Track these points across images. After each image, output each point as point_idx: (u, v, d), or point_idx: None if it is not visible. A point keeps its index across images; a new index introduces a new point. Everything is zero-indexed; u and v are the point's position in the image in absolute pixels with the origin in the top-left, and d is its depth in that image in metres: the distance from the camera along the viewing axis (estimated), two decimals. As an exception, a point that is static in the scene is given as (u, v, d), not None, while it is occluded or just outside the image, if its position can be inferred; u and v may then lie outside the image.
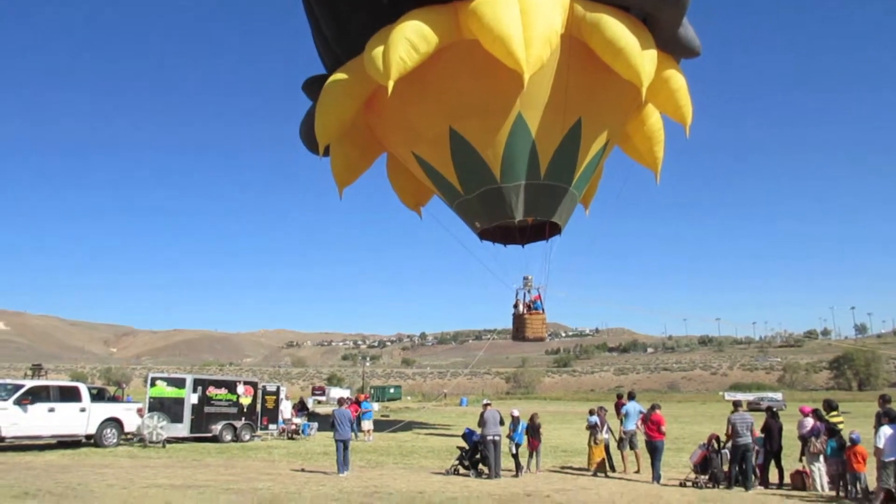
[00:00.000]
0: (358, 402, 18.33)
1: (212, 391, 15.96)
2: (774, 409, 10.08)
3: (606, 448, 10.69)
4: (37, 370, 61.03)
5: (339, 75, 11.33)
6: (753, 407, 35.11)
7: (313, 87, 12.62)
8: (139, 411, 14.59)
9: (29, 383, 13.35)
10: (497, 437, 10.23)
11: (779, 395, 45.52)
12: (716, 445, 9.81)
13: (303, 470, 10.58)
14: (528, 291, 13.65)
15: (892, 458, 7.33)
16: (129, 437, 14.21)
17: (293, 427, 18.07)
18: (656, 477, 9.48)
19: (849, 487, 8.18)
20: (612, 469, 10.63)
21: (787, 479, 9.21)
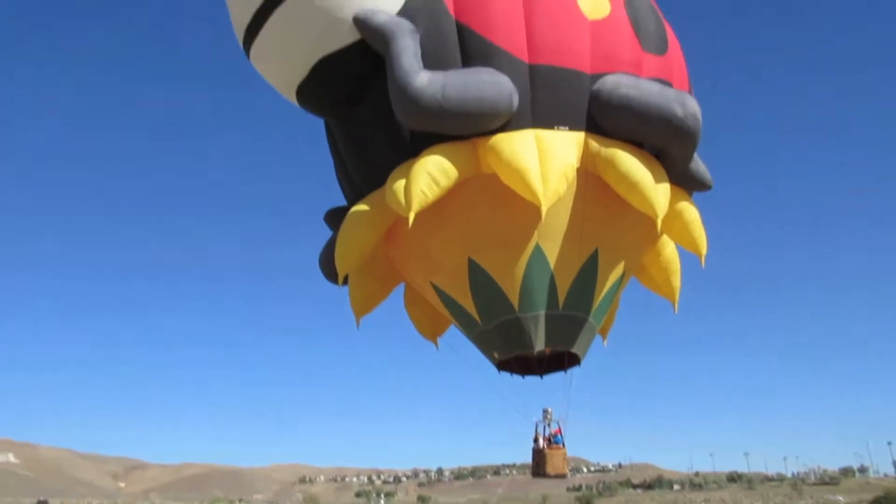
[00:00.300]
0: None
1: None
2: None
3: None
4: (41, 506, 59.41)
5: (360, 207, 11.66)
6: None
7: (334, 218, 12.94)
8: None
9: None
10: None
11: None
12: None
13: None
14: (548, 425, 13.22)
15: None
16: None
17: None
18: None
19: None
20: None
21: None
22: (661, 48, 11.79)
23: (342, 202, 13.70)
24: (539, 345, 11.18)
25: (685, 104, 10.64)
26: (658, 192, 10.62)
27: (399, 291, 14.43)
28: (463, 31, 11.04)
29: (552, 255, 11.01)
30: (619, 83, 10.81)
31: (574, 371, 12.37)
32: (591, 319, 11.69)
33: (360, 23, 10.95)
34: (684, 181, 11.88)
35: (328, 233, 13.70)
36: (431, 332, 14.28)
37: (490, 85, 10.44)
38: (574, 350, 11.78)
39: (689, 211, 12.06)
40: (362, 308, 13.10)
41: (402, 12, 11.14)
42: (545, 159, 10.29)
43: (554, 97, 10.84)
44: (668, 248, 13.20)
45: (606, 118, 10.86)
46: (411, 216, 10.13)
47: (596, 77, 10.93)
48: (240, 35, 12.10)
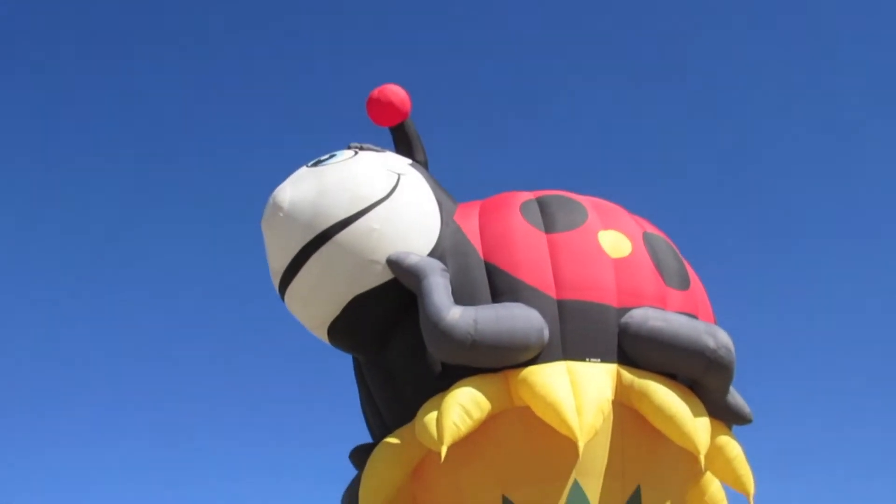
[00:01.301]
0: None
1: None
2: None
3: None
4: None
5: (387, 442, 11.39)
6: None
7: (360, 455, 12.55)
8: None
9: None
10: None
11: None
12: None
13: None
14: None
15: None
16: None
17: None
18: None
19: None
20: None
21: None
22: (683, 284, 12.21)
23: (366, 438, 13.35)
24: None
25: (716, 336, 10.77)
26: (697, 426, 10.35)
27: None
28: (491, 270, 11.55)
29: (592, 492, 10.42)
30: (647, 316, 11.04)
31: None
32: (639, 566, 10.75)
33: (393, 263, 11.52)
34: (722, 414, 11.62)
35: (350, 473, 13.19)
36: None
37: (521, 319, 10.68)
38: None
39: (731, 446, 11.64)
40: (386, 554, 12.14)
41: (433, 253, 11.79)
42: (579, 392, 10.18)
43: (583, 330, 11.02)
44: (713, 485, 12.52)
45: (637, 350, 10.93)
46: (443, 450, 9.80)
47: (623, 311, 11.19)
48: (276, 280, 12.68)
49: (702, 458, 10.29)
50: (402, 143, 13.77)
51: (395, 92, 13.45)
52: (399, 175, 12.48)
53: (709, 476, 12.35)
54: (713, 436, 10.90)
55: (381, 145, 13.76)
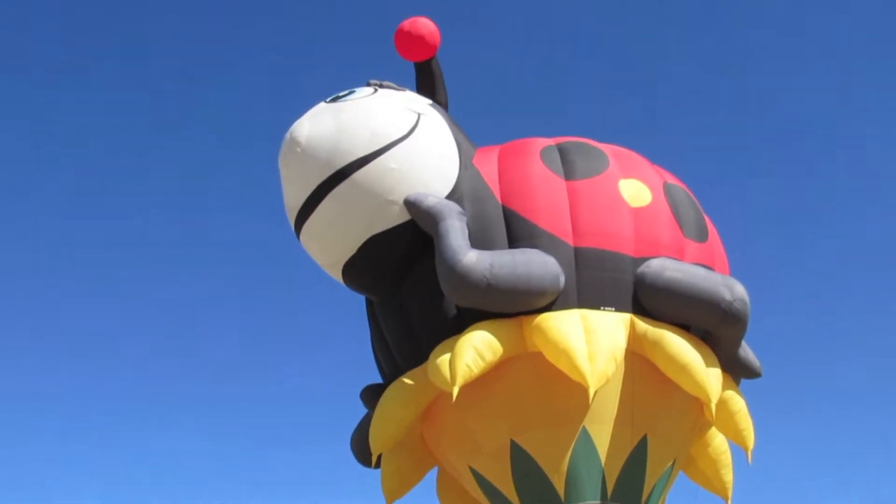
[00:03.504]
0: None
1: None
2: None
3: None
4: None
5: (399, 383, 11.53)
6: None
7: (371, 395, 12.67)
8: None
9: None
10: None
11: None
12: None
13: None
14: None
15: None
16: None
17: None
18: None
19: None
20: None
21: None
22: (701, 236, 12.12)
23: (375, 378, 13.44)
24: (586, 538, 10.39)
25: (733, 288, 10.72)
26: (709, 376, 10.41)
27: (431, 476, 13.76)
28: (508, 215, 11.46)
29: (599, 439, 10.56)
30: (664, 266, 10.97)
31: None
32: (642, 511, 10.95)
33: (411, 205, 11.41)
34: (731, 368, 11.68)
35: (361, 411, 13.33)
36: (467, 520, 13.40)
37: (537, 264, 10.63)
38: (624, 547, 10.91)
39: (735, 400, 11.73)
40: (395, 492, 12.41)
41: (451, 196, 11.67)
42: (592, 339, 10.20)
43: (599, 278, 10.97)
44: (718, 438, 12.66)
45: (652, 300, 10.89)
46: (455, 390, 9.89)
47: (640, 260, 11.13)
48: (291, 217, 12.56)
49: (713, 406, 10.37)
50: (426, 81, 13.42)
51: (426, 25, 12.97)
52: (419, 114, 12.24)
53: (713, 430, 12.47)
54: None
55: (400, 84, 13.51)
